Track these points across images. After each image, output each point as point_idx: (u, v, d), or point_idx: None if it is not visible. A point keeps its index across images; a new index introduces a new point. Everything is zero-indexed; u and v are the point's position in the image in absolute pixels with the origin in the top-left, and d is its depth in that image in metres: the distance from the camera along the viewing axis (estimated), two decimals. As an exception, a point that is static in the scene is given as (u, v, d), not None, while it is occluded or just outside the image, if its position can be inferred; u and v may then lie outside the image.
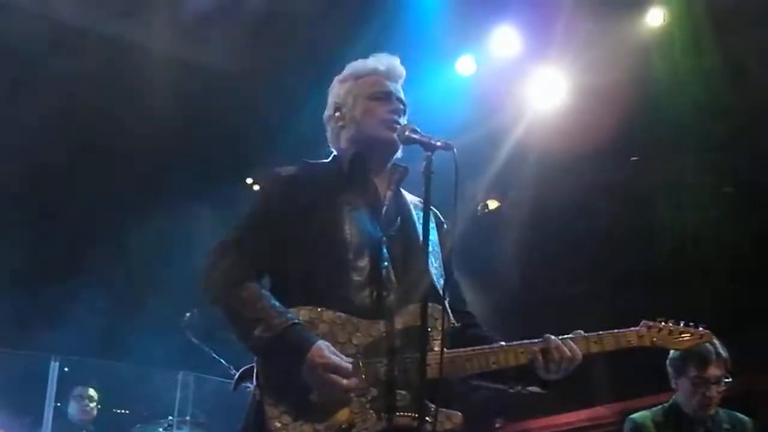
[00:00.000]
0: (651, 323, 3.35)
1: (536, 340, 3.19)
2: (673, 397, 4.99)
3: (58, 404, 8.25)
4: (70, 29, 7.56)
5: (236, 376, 3.21)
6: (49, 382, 8.30)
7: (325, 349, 2.95)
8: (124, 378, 8.67)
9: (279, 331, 2.96)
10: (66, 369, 8.44)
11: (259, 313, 3.01)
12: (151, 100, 7.72)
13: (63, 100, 7.56)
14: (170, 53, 7.88)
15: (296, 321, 2.99)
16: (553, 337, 3.18)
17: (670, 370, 4.94)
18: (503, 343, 3.22)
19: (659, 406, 5.06)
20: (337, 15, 7.77)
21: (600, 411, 8.59)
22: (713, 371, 4.78)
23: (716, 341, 4.80)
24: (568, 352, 3.14)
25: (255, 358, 3.10)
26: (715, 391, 4.79)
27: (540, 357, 3.14)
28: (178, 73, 7.79)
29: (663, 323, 3.36)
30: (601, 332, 3.26)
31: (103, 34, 7.74)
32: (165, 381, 8.51)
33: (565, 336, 3.20)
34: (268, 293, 3.09)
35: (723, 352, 4.80)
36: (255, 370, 3.07)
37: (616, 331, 3.29)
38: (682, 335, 3.39)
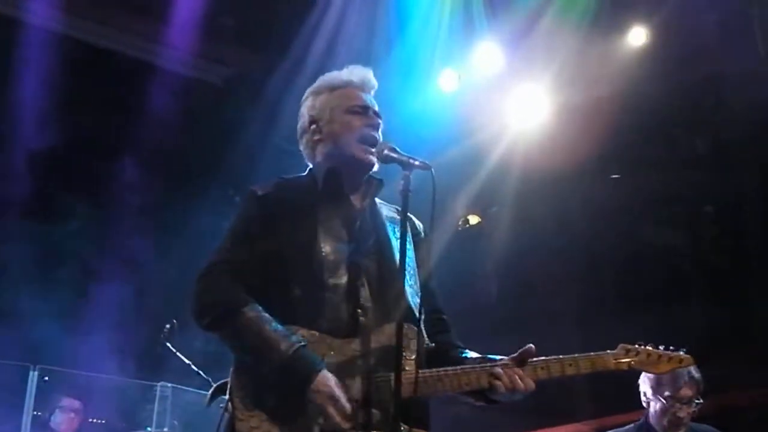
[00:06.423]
0: (629, 347, 3.24)
1: (498, 360, 3.14)
2: (644, 415, 4.99)
3: (37, 413, 8.20)
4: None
5: (211, 390, 3.20)
6: (28, 391, 8.25)
7: (330, 378, 2.96)
8: (102, 388, 8.61)
9: (287, 356, 2.96)
10: (45, 378, 8.39)
11: (263, 341, 3.01)
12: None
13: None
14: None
15: (302, 344, 3.00)
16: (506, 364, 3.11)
17: (642, 388, 4.94)
18: (473, 355, 3.23)
19: (631, 425, 5.07)
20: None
21: (579, 428, 8.60)
22: (685, 392, 4.78)
23: (689, 363, 4.82)
24: (519, 384, 3.08)
25: (230, 372, 3.10)
26: (685, 412, 4.80)
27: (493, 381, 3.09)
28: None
29: (641, 347, 3.25)
30: (577, 355, 3.17)
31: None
32: (143, 392, 8.48)
33: (537, 359, 3.13)
34: (266, 316, 3.06)
35: (696, 374, 4.80)
36: (229, 385, 3.08)
37: (593, 354, 3.20)
38: (661, 359, 3.27)
